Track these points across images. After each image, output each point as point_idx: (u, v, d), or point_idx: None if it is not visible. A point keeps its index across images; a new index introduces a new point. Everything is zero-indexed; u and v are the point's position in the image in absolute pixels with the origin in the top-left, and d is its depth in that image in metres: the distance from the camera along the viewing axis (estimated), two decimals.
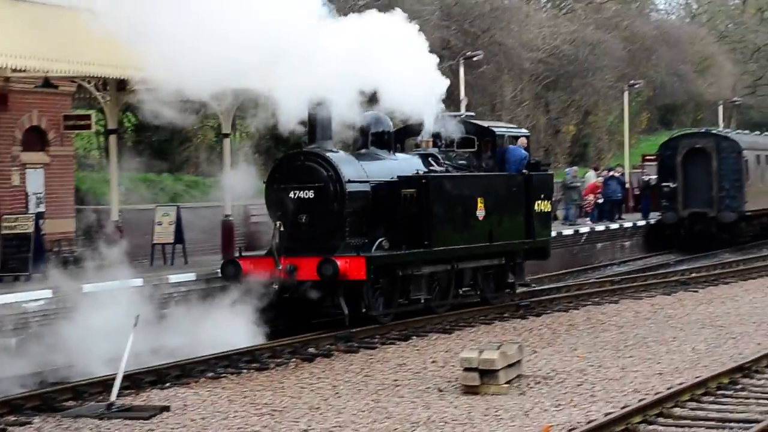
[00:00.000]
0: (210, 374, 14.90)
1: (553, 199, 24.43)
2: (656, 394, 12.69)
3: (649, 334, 17.93)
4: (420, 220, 18.50)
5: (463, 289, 20.29)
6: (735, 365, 14.11)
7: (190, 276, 19.34)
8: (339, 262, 17.20)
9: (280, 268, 17.44)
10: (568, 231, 31.53)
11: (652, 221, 36.21)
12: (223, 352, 15.72)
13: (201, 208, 25.87)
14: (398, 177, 18.68)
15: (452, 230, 19.19)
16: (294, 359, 15.97)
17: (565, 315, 20.35)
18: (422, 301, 18.73)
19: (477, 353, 13.47)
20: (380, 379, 14.54)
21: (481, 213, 19.70)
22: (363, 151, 19.12)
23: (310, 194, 17.86)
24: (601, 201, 34.55)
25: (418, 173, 18.99)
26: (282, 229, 17.83)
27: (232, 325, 16.88)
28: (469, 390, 13.39)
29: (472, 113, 25.17)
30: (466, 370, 13.44)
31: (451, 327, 18.77)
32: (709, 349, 16.34)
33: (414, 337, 17.79)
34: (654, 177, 37.44)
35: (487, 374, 13.34)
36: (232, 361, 15.51)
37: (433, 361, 15.68)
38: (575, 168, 37.06)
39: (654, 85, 57.88)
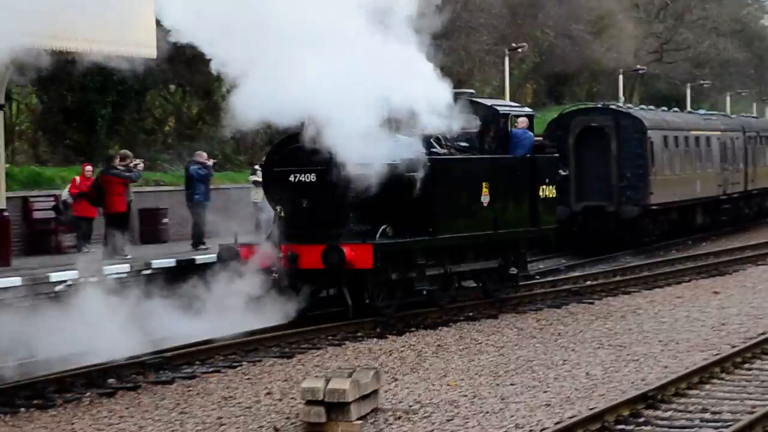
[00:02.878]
0: None
1: None
2: (542, 430, 12.93)
3: (534, 356, 18.28)
4: (424, 205, 20.74)
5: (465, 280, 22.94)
6: (637, 393, 14.49)
7: None
8: (345, 250, 19.16)
9: (281, 256, 19.51)
10: None
11: None
12: None
13: None
14: (401, 159, 20.66)
15: (457, 217, 21.58)
16: (89, 393, 15.77)
17: (433, 333, 20.59)
18: (424, 293, 21.17)
19: (323, 382, 13.55)
20: (200, 416, 14.47)
21: (485, 198, 22.10)
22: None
23: (312, 177, 19.80)
24: None
25: (421, 155, 21.00)
26: (282, 215, 19.88)
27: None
28: (313, 429, 13.46)
29: (472, 90, 27.49)
30: (309, 403, 13.50)
31: (292, 350, 18.79)
32: (607, 374, 16.76)
33: (244, 363, 17.76)
34: None
35: (336, 408, 13.43)
36: (7, 397, 15.19)
37: (268, 393, 15.69)
38: None
39: (541, 50, 59.07)
